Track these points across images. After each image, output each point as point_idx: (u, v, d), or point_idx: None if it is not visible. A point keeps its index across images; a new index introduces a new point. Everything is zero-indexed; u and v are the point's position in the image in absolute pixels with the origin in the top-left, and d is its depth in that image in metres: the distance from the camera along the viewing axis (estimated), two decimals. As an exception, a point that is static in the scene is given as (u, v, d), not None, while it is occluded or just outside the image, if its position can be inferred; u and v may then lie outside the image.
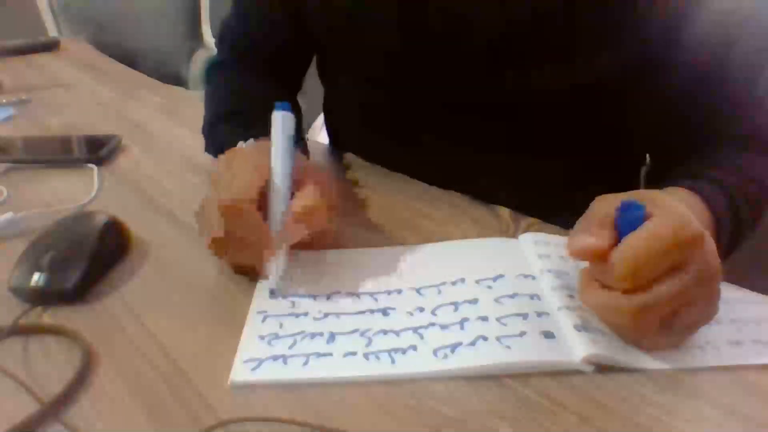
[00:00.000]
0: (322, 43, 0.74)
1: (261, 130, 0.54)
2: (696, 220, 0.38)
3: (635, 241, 0.38)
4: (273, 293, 0.47)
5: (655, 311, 0.38)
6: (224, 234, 0.46)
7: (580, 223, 0.42)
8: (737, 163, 0.56)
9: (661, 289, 0.37)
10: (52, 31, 2.03)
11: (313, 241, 0.48)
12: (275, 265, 0.47)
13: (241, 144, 0.55)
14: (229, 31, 0.79)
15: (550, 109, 0.63)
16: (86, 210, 0.61)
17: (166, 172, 0.71)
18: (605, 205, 0.41)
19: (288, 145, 0.50)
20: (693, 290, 0.38)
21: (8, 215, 0.58)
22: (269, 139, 0.51)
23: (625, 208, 0.40)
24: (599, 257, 0.40)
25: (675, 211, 0.39)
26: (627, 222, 0.39)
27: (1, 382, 0.40)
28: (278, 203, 0.48)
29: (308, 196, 0.47)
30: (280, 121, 0.50)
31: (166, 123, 0.89)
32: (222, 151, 0.53)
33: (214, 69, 0.79)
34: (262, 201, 0.48)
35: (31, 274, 0.47)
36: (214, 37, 2.23)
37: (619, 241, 0.39)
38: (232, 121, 0.66)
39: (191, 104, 0.98)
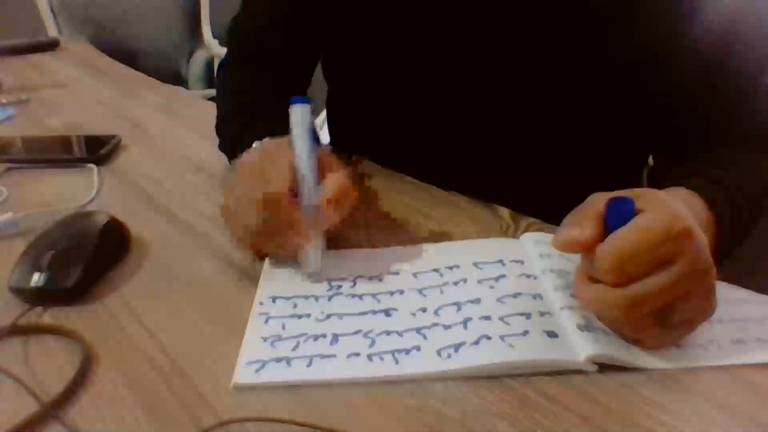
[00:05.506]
0: (335, 36, 0.74)
1: (272, 124, 0.55)
2: (688, 214, 0.38)
3: (622, 234, 0.38)
4: (313, 277, 0.49)
5: (646, 304, 0.38)
6: (263, 226, 0.47)
7: (570, 217, 0.42)
8: (738, 162, 0.56)
9: (650, 282, 0.37)
10: (52, 31, 2.03)
11: (341, 224, 0.50)
12: (312, 252, 0.48)
13: (256, 143, 0.56)
14: (238, 29, 0.79)
15: (558, 104, 0.63)
16: (86, 210, 0.61)
17: (166, 172, 0.71)
18: (597, 201, 0.41)
19: (309, 137, 0.51)
20: (684, 284, 0.38)
21: (8, 215, 0.58)
22: (286, 134, 0.53)
23: (615, 202, 0.40)
24: (586, 250, 0.40)
25: (665, 206, 0.39)
26: (616, 216, 0.39)
27: (1, 382, 0.40)
28: (309, 192, 0.49)
29: (337, 181, 0.49)
30: (300, 113, 0.51)
31: (166, 123, 0.89)
32: (235, 148, 0.55)
33: (223, 67, 0.79)
34: (292, 193, 0.49)
35: (31, 274, 0.47)
36: (214, 37, 2.24)
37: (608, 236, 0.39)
38: (243, 117, 0.67)
39: (191, 104, 0.98)
